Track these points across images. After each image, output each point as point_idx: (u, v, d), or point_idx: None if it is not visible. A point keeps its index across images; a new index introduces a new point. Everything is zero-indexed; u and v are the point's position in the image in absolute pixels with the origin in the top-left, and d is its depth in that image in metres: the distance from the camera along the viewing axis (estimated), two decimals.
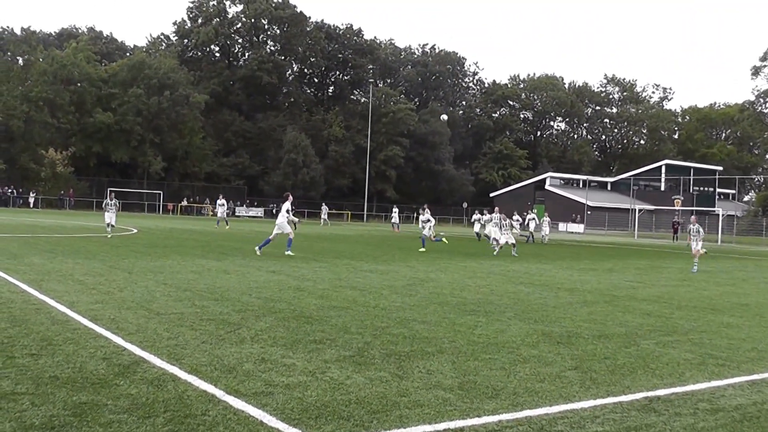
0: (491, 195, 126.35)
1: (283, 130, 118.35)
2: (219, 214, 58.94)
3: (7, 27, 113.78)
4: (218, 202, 60.11)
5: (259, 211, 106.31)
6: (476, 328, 13.08)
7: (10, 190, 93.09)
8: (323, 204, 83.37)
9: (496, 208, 40.81)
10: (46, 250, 26.47)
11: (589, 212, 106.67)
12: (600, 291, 20.72)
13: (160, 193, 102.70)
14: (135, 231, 43.64)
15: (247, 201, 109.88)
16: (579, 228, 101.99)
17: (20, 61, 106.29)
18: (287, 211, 30.05)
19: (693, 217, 34.13)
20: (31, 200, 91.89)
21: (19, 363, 8.97)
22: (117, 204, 38.95)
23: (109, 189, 49.96)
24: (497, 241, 37.81)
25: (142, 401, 7.55)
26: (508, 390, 8.68)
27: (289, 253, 28.62)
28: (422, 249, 37.40)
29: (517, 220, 48.94)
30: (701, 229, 32.00)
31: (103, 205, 38.19)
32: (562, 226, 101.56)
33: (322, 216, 79.32)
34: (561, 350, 11.36)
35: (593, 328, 13.64)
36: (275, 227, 30.32)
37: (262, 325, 12.29)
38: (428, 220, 39.94)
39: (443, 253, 35.59)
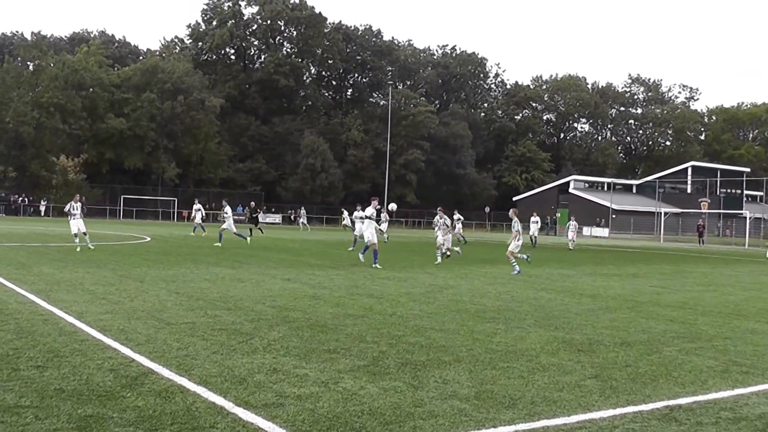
0: (514, 199, 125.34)
1: (301, 135, 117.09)
2: (196, 220, 53.64)
3: (17, 32, 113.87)
4: (194, 207, 55.17)
5: (276, 218, 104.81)
6: (495, 335, 13.03)
7: (20, 198, 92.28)
8: (301, 207, 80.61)
9: (439, 209, 38.23)
10: (56, 259, 26.48)
11: (613, 216, 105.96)
12: (623, 297, 20.74)
13: (174, 200, 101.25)
14: (148, 239, 43.63)
15: (264, 207, 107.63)
16: (604, 232, 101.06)
17: (30, 67, 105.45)
18: (366, 217, 29.52)
19: (512, 210, 30.43)
20: (42, 208, 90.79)
21: (24, 375, 8.78)
22: (83, 208, 35.94)
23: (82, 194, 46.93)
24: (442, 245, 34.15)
25: (149, 413, 7.47)
26: (526, 399, 8.60)
27: (376, 265, 27.56)
28: (217, 244, 37.42)
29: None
30: (517, 225, 28.64)
31: (66, 210, 35.06)
32: (586, 231, 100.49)
33: (301, 220, 76.60)
34: (581, 358, 11.28)
35: (615, 335, 13.55)
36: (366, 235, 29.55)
37: (275, 335, 12.25)
38: (226, 214, 39.78)
39: (463, 260, 34.60)
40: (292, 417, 7.49)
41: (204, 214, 55.96)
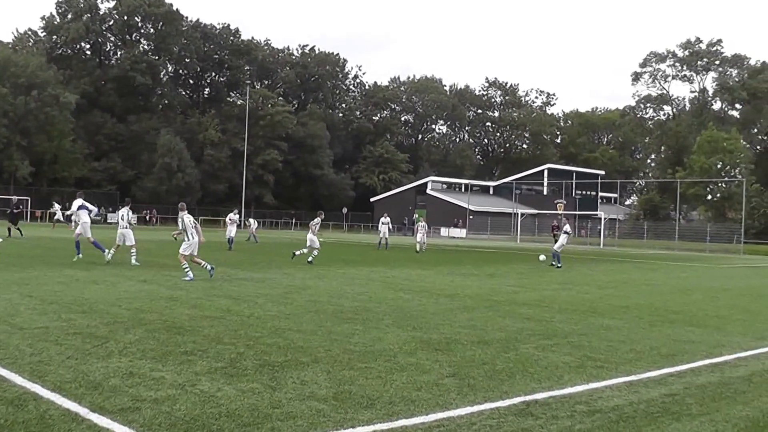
0: (372, 200, 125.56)
1: (157, 134, 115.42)
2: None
3: None
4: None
5: (131, 218, 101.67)
6: (353, 336, 13.04)
7: None
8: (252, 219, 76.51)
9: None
10: None
11: (471, 217, 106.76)
12: (481, 296, 20.97)
13: (27, 200, 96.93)
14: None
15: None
16: (461, 233, 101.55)
17: None
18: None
19: (181, 207, 24.68)
20: None
21: None
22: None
23: None
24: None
25: (1, 423, 7.17)
26: (384, 399, 8.65)
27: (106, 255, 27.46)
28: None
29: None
30: (190, 224, 23.58)
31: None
32: (444, 231, 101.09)
33: (251, 228, 67.76)
34: (439, 357, 11.37)
35: (472, 334, 13.71)
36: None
37: (131, 338, 12.00)
38: (66, 211, 38.80)
39: (322, 260, 34.49)
40: (148, 421, 7.40)
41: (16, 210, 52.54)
